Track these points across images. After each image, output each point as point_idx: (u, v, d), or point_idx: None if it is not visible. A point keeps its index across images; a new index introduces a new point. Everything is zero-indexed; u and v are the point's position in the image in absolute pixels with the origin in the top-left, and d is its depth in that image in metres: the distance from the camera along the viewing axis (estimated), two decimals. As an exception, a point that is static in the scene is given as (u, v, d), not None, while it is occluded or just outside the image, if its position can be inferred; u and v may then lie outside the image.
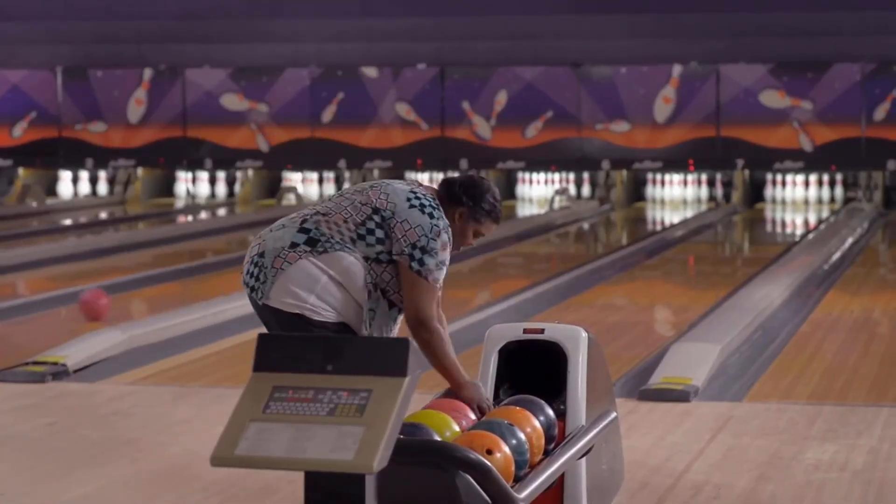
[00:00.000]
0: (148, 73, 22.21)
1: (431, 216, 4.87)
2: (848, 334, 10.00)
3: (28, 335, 10.36)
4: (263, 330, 5.00)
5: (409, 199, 4.90)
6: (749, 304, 10.58)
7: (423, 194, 4.95)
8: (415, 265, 4.83)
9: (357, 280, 4.86)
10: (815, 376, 8.46)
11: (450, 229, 4.94)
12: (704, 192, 21.39)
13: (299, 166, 22.14)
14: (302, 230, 4.88)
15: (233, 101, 21.95)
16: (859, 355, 9.20)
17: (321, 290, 4.84)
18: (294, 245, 4.85)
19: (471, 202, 5.01)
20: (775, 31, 20.85)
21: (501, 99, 21.20)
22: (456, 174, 21.90)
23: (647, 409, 7.45)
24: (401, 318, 5.00)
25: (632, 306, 11.69)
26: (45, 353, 8.66)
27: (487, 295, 12.38)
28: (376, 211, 4.88)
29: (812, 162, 20.50)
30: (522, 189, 21.95)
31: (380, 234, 4.87)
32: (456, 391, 4.98)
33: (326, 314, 4.84)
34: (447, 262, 4.94)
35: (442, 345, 4.91)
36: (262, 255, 4.89)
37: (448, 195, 5.01)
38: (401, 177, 22.13)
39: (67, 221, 20.02)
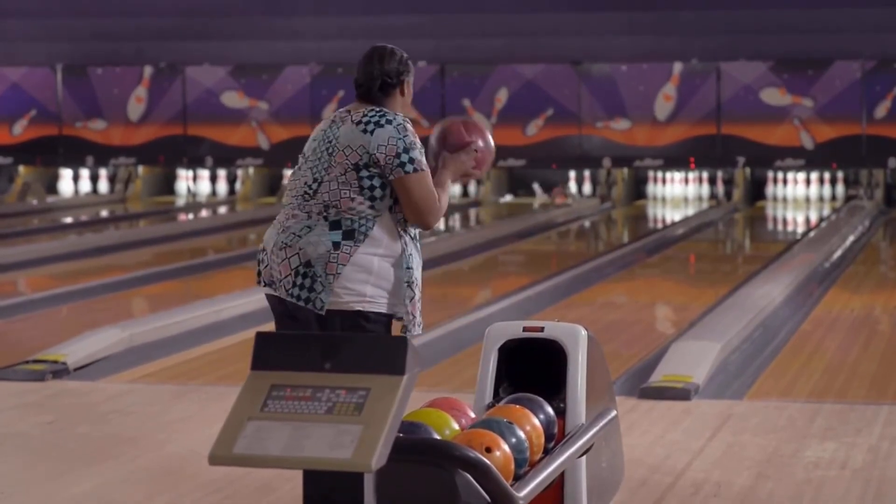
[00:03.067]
0: (148, 70, 22.20)
1: (389, 121, 4.88)
2: (848, 332, 9.99)
3: (28, 333, 10.36)
4: (263, 328, 4.99)
5: (361, 129, 4.88)
6: (749, 302, 10.57)
7: (363, 112, 4.92)
8: (409, 167, 4.84)
9: (396, 243, 4.89)
10: (816, 374, 8.46)
11: (406, 119, 4.94)
12: (705, 189, 21.38)
13: (300, 164, 22.12)
14: (333, 226, 4.85)
15: (233, 99, 21.95)
16: (859, 353, 9.20)
17: (375, 277, 4.85)
18: (336, 245, 4.82)
19: (403, 67, 4.99)
20: (776, 29, 20.85)
21: (502, 96, 21.20)
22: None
23: (647, 407, 7.45)
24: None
25: (632, 304, 11.69)
26: (46, 352, 8.66)
27: (488, 293, 12.38)
28: (356, 167, 4.86)
29: (813, 159, 20.49)
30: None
31: (376, 181, 4.87)
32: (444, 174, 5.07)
33: (381, 301, 4.85)
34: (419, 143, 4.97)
35: (444, 203, 4.99)
36: (308, 264, 4.83)
37: (385, 84, 4.96)
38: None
39: (68, 219, 20.02)
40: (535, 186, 21.53)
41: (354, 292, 4.82)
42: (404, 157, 4.84)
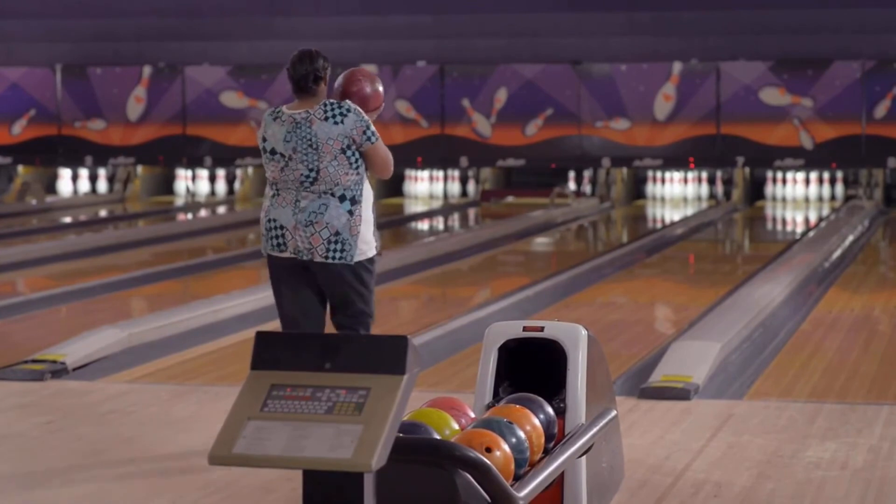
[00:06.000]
0: (147, 70, 22.19)
1: (348, 110, 6.15)
2: (848, 332, 9.99)
3: (27, 333, 10.35)
4: (262, 328, 5.01)
5: (333, 122, 6.12)
6: (749, 302, 10.57)
7: (322, 109, 6.13)
8: (373, 138, 6.18)
9: (370, 192, 6.30)
10: (816, 374, 8.45)
11: (349, 102, 6.19)
12: (705, 189, 21.38)
13: (299, 164, 22.09)
14: (342, 199, 6.14)
15: (232, 99, 21.93)
16: (860, 353, 9.19)
17: (373, 227, 6.26)
18: (351, 213, 6.15)
19: (326, 63, 6.26)
20: (776, 29, 20.84)
21: (501, 96, 21.19)
22: (456, 172, 22.04)
23: (647, 407, 7.44)
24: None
25: (632, 304, 11.68)
26: (45, 352, 8.65)
27: (487, 293, 12.37)
28: (343, 151, 6.12)
29: (812, 159, 20.48)
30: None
31: (357, 154, 6.16)
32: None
33: (374, 246, 6.30)
34: None
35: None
36: (337, 233, 6.13)
37: (317, 78, 6.19)
38: (401, 176, 22.15)
39: (67, 219, 20.01)
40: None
41: (366, 241, 6.20)
42: (368, 133, 6.17)
